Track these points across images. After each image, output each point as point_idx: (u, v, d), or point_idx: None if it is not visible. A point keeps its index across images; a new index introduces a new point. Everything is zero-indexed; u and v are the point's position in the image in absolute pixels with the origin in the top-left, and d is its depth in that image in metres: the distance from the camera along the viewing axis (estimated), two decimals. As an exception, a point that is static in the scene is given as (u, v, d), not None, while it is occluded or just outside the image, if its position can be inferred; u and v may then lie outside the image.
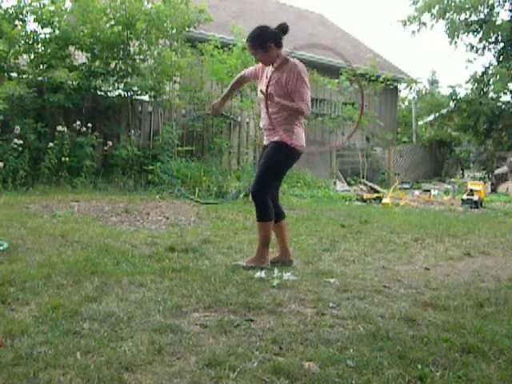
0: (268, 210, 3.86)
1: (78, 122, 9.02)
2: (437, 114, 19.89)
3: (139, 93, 9.98)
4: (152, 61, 10.02)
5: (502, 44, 17.09)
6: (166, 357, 2.17)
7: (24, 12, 9.20)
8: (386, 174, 15.41)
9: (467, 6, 16.81)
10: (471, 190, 10.07)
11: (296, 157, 3.99)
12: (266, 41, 3.78)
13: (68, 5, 9.78)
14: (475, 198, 9.81)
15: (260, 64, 4.00)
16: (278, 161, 3.90)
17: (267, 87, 3.75)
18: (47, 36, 9.33)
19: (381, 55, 16.90)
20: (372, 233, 5.75)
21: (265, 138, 4.05)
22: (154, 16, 9.52)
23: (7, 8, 9.16)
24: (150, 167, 9.32)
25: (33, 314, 2.58)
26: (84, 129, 9.03)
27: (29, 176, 8.32)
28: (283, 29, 3.85)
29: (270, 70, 3.87)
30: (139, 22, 9.49)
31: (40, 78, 9.09)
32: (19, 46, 9.14)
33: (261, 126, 4.08)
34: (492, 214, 8.52)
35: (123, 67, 9.85)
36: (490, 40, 17.12)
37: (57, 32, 9.34)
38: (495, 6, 17.10)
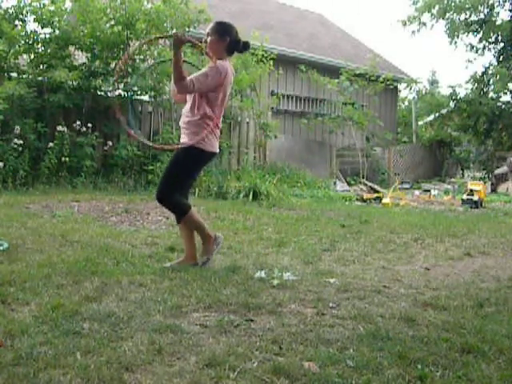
0: (181, 204, 3.75)
1: (78, 122, 9.01)
2: (437, 114, 19.88)
3: (139, 93, 9.98)
4: (152, 61, 10.01)
5: (501, 44, 17.08)
6: (166, 357, 2.17)
7: (24, 12, 9.19)
8: (385, 174, 15.42)
9: (467, 6, 16.80)
10: (471, 190, 10.07)
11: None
12: (225, 33, 3.74)
13: (68, 5, 9.78)
14: (475, 198, 9.80)
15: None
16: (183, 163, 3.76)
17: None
18: (47, 36, 9.33)
19: (381, 55, 16.91)
20: (372, 233, 5.75)
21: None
22: (154, 16, 9.52)
23: (7, 8, 9.16)
24: (150, 167, 9.31)
25: (33, 313, 2.58)
26: (84, 129, 9.02)
27: (29, 176, 8.31)
28: (245, 45, 3.82)
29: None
30: (139, 22, 9.48)
31: (40, 78, 9.08)
32: (19, 46, 9.13)
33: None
34: (492, 214, 8.52)
35: (123, 67, 9.84)
36: (490, 40, 17.11)
37: (57, 32, 9.34)
38: (495, 5, 17.10)
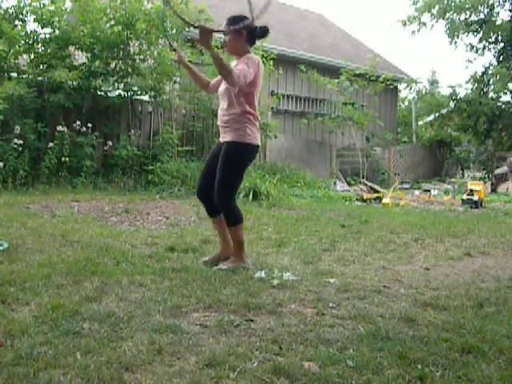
0: (237, 213, 3.79)
1: (78, 122, 9.01)
2: (437, 114, 19.88)
3: (139, 93, 9.98)
4: (152, 61, 10.02)
5: (502, 44, 17.08)
6: (166, 357, 2.17)
7: (24, 12, 9.20)
8: (385, 174, 15.41)
9: (467, 6, 16.80)
10: (471, 190, 10.07)
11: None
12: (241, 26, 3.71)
13: (68, 5, 9.78)
14: (475, 198, 9.80)
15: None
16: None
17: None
18: (47, 36, 9.33)
19: (381, 55, 16.90)
20: (372, 233, 5.75)
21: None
22: (154, 16, 9.52)
23: (7, 8, 9.16)
24: (150, 167, 9.32)
25: (33, 313, 2.58)
26: (84, 129, 9.03)
27: (29, 176, 8.32)
28: (262, 30, 3.79)
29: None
30: (139, 22, 9.49)
31: (40, 78, 9.08)
32: (19, 46, 9.13)
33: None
34: (492, 214, 8.52)
35: (123, 67, 9.85)
36: (490, 40, 17.11)
37: (57, 32, 9.34)
38: (495, 5, 17.09)
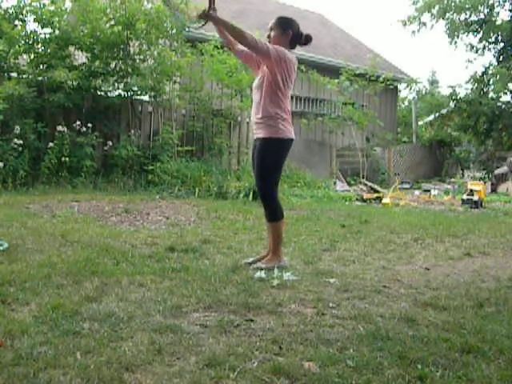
0: (278, 210, 3.90)
1: (78, 122, 9.02)
2: (437, 114, 19.90)
3: (139, 93, 9.98)
4: (152, 61, 10.02)
5: (502, 44, 17.09)
6: (166, 357, 2.17)
7: (24, 12, 9.20)
8: (386, 174, 15.42)
9: (467, 6, 16.81)
10: (471, 190, 10.07)
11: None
12: (288, 27, 3.88)
13: (68, 5, 9.80)
14: (475, 198, 9.80)
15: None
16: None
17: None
18: (47, 36, 9.33)
19: (381, 55, 16.91)
20: (372, 233, 5.75)
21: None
22: (154, 16, 9.52)
23: (7, 8, 9.16)
24: (150, 167, 9.32)
25: (33, 314, 2.58)
26: (84, 129, 9.03)
27: (29, 176, 8.32)
28: (307, 38, 3.96)
29: None
30: (139, 22, 9.49)
31: (40, 78, 9.09)
32: (19, 46, 9.13)
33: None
34: (492, 214, 8.52)
35: (123, 67, 9.85)
36: (490, 40, 17.12)
37: (57, 32, 9.34)
38: (495, 6, 17.10)
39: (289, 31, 3.86)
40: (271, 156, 3.84)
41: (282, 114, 3.81)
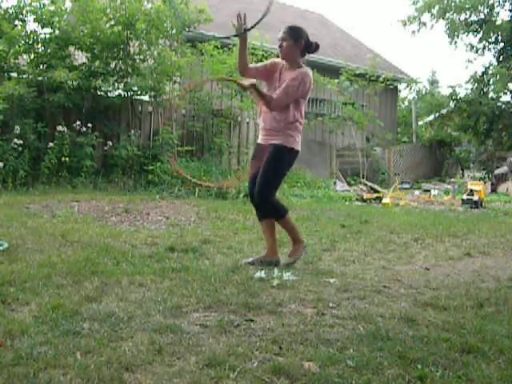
0: (279, 207, 4.01)
1: (78, 122, 9.01)
2: (437, 114, 19.90)
3: (139, 93, 9.98)
4: (152, 61, 10.02)
5: (501, 44, 17.08)
6: (166, 357, 2.17)
7: (24, 12, 9.19)
8: (386, 174, 15.42)
9: (467, 6, 16.81)
10: (471, 190, 10.07)
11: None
12: (300, 36, 3.96)
13: (68, 5, 9.78)
14: (475, 198, 9.80)
15: (278, 64, 4.02)
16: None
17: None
18: (47, 36, 9.32)
19: (381, 55, 16.91)
20: (372, 233, 5.75)
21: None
22: (154, 16, 9.52)
23: (7, 8, 9.16)
24: (150, 167, 9.32)
25: (33, 314, 2.58)
26: (84, 129, 9.03)
27: (29, 176, 8.31)
28: (316, 46, 4.04)
29: (283, 71, 3.97)
30: (139, 21, 9.48)
31: (40, 78, 9.08)
32: (19, 46, 9.13)
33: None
34: (492, 214, 8.52)
35: (123, 67, 9.84)
36: (490, 40, 17.12)
37: (57, 32, 9.33)
38: (495, 6, 17.10)
39: (301, 41, 3.95)
40: (280, 164, 3.95)
41: (298, 125, 3.94)
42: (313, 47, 4.02)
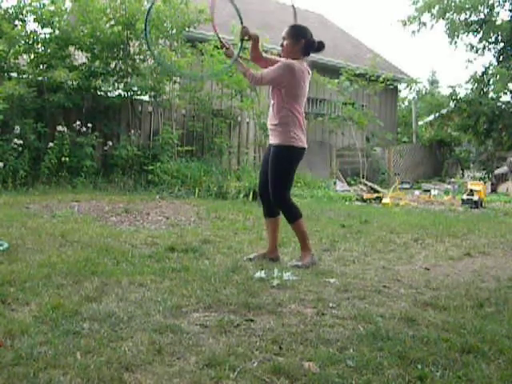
0: (294, 209, 4.08)
1: (78, 122, 9.02)
2: (437, 114, 19.89)
3: (139, 93, 9.98)
4: (152, 61, 10.02)
5: (501, 44, 17.07)
6: (166, 357, 2.17)
7: (24, 12, 9.20)
8: (386, 174, 15.41)
9: (467, 5, 16.79)
10: (471, 190, 10.06)
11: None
12: (300, 35, 4.01)
13: (68, 5, 9.79)
14: (475, 198, 9.80)
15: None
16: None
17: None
18: (47, 36, 9.33)
19: (381, 55, 16.90)
20: (372, 233, 5.75)
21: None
22: (154, 16, 9.52)
23: (7, 8, 9.16)
24: (150, 167, 9.32)
25: (33, 314, 2.58)
26: (84, 129, 9.03)
27: (29, 176, 8.32)
28: (319, 45, 4.08)
29: None
30: (139, 21, 9.48)
31: (40, 78, 9.09)
32: (19, 46, 9.14)
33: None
34: (492, 214, 8.52)
35: (123, 67, 9.85)
36: (490, 40, 17.10)
37: (57, 32, 9.35)
38: (495, 5, 17.08)
39: (301, 40, 3.99)
40: (282, 163, 3.98)
41: (295, 121, 3.94)
42: (315, 46, 4.05)
